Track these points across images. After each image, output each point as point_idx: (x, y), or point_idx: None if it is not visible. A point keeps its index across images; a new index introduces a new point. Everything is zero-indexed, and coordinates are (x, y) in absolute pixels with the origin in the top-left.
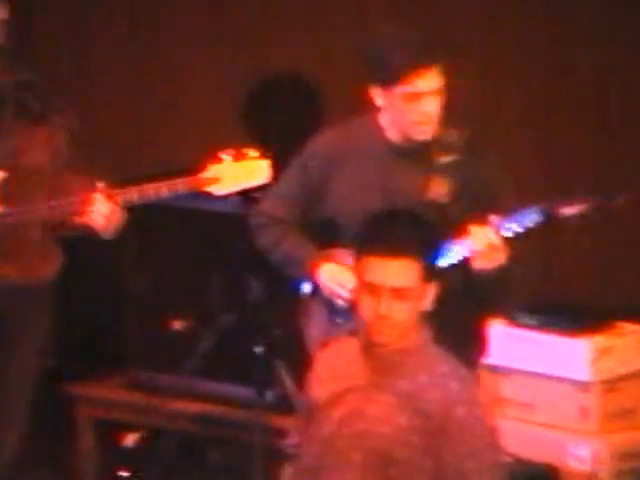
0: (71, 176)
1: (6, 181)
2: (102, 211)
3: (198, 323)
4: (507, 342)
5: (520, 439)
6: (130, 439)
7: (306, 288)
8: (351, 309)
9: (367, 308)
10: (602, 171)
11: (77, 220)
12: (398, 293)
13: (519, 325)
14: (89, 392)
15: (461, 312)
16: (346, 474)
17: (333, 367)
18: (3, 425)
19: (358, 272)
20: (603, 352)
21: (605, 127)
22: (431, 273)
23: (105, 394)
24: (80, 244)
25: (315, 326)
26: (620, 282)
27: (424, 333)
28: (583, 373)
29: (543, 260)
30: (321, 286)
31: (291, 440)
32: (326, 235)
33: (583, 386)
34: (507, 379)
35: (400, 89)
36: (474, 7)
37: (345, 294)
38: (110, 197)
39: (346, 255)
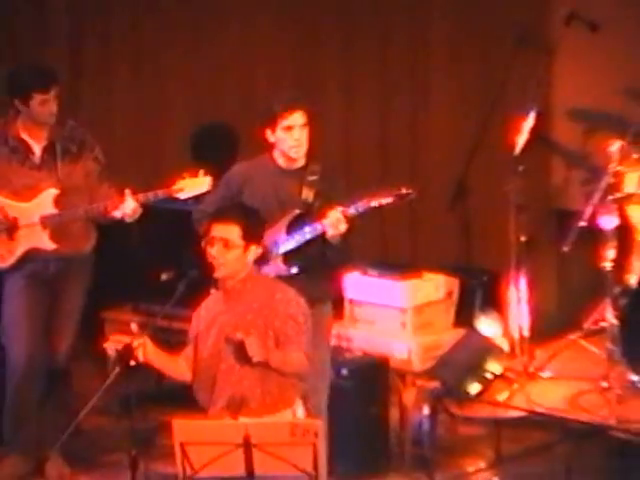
0: (105, 188)
1: (58, 196)
2: (130, 206)
3: (177, 275)
4: (359, 284)
5: (366, 342)
6: (136, 341)
7: (164, 276)
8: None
9: (209, 255)
10: (404, 175)
11: (112, 213)
12: (225, 243)
13: (366, 274)
14: (113, 316)
15: (321, 265)
16: (229, 361)
17: (207, 307)
18: (64, 335)
19: (206, 235)
20: (414, 290)
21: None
22: (250, 237)
23: (122, 317)
24: (106, 229)
25: None
26: (425, 247)
27: (250, 272)
28: (403, 302)
29: (380, 235)
30: None
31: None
32: None
33: (403, 310)
34: (359, 307)
35: (281, 123)
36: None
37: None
38: (134, 198)
39: None
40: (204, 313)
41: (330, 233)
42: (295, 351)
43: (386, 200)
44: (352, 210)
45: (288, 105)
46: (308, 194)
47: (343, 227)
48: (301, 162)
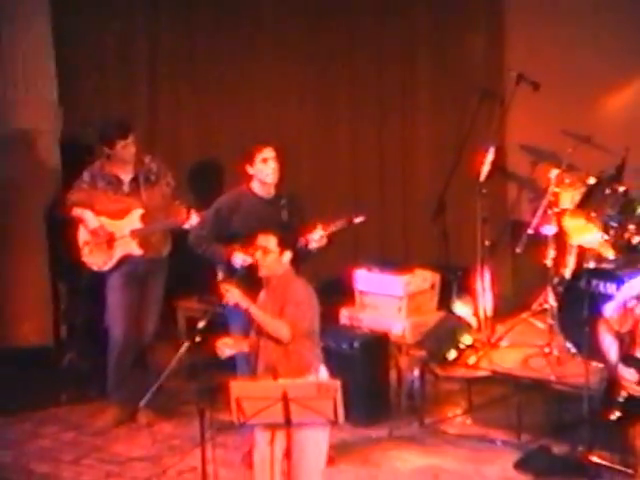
0: (177, 204)
1: (143, 214)
2: (195, 221)
3: (229, 274)
4: (366, 279)
5: (372, 322)
6: (200, 323)
7: (220, 275)
8: (246, 268)
9: (256, 259)
10: (398, 194)
11: (182, 226)
12: (264, 250)
13: (371, 271)
14: (183, 304)
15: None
16: (264, 339)
17: (259, 298)
18: (151, 318)
19: (252, 245)
20: (408, 282)
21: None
22: (284, 245)
23: (190, 305)
24: (178, 240)
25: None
26: (415, 250)
27: (286, 270)
28: (399, 292)
29: (380, 241)
30: (232, 261)
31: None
32: (232, 240)
33: (399, 298)
34: (366, 296)
35: (258, 157)
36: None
37: (242, 262)
38: (198, 215)
39: (240, 247)
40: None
41: (313, 246)
42: (283, 320)
43: (359, 219)
44: (332, 228)
45: (261, 143)
46: (285, 216)
47: (324, 241)
48: (272, 192)
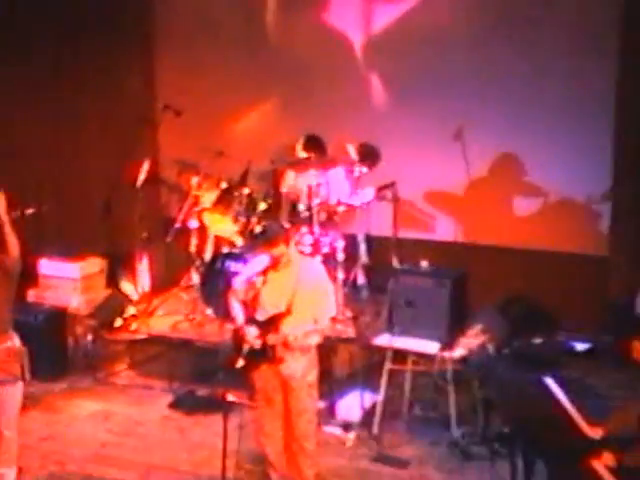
0: None
1: None
2: None
3: None
4: (48, 265)
5: (54, 299)
6: None
7: None
8: None
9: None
10: (76, 196)
11: None
12: None
13: (53, 258)
14: None
15: None
16: None
17: None
18: None
19: None
20: (82, 267)
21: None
22: None
23: None
24: None
25: None
26: (89, 241)
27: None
28: (76, 274)
29: (60, 233)
30: None
31: None
32: None
33: (75, 279)
34: (49, 278)
35: None
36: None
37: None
38: None
39: None
40: None
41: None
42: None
43: (30, 211)
44: (10, 217)
45: None
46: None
47: (7, 230)
48: None
